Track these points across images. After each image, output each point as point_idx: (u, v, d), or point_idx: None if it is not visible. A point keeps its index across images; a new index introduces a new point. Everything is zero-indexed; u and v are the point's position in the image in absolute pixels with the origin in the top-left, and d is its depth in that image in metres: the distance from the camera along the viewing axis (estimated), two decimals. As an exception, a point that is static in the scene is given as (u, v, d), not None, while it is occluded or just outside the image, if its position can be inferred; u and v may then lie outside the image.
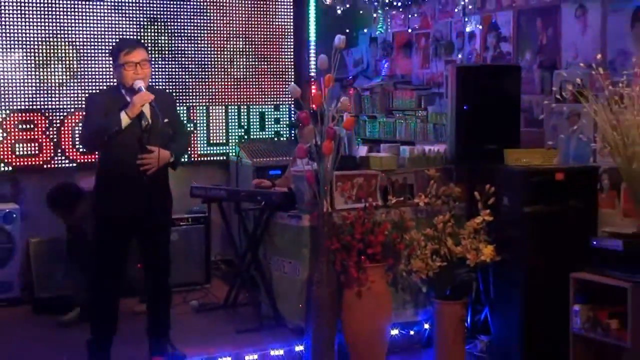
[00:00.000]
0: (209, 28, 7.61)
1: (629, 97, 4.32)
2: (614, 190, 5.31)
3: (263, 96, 7.95)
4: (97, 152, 5.04)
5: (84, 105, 5.22)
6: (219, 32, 7.67)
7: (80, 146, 5.96)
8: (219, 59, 7.69)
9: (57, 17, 6.85)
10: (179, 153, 5.01)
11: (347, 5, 7.25)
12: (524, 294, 4.93)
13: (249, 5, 7.76)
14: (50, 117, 6.90)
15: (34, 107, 6.85)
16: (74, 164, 6.93)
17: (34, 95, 6.83)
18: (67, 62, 6.94)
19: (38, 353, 5.27)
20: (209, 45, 7.63)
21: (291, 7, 7.97)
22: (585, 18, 5.73)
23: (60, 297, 6.19)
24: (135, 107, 4.66)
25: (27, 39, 6.78)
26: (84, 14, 6.96)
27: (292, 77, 7.99)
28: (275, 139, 7.98)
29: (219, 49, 7.68)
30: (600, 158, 5.30)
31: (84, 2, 6.96)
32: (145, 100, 4.68)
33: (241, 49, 7.77)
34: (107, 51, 6.40)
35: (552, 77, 5.91)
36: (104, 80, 6.91)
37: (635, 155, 4.24)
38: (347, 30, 7.43)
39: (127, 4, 7.15)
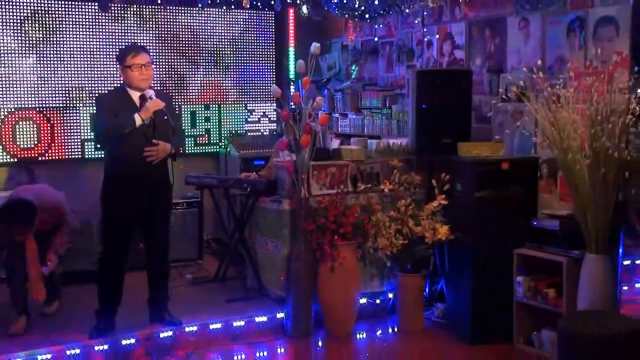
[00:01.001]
0: (206, 39, 7.58)
1: (564, 98, 4.32)
2: (551, 178, 5.34)
3: (248, 96, 7.91)
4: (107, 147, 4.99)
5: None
6: (213, 42, 7.63)
7: (95, 141, 5.79)
8: (212, 65, 7.65)
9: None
10: (179, 144, 5.02)
11: (322, 17, 7.22)
12: (474, 267, 4.93)
13: (238, 18, 7.70)
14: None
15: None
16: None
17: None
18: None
19: (50, 321, 5.24)
20: (207, 52, 7.61)
21: (273, 19, 7.93)
22: (527, 29, 5.74)
23: (68, 272, 6.07)
24: (148, 112, 4.69)
25: None
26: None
27: (274, 79, 7.95)
28: (259, 133, 7.94)
29: (213, 55, 7.64)
30: (540, 150, 5.32)
31: None
32: (158, 106, 4.72)
33: (230, 56, 7.73)
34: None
35: (499, 80, 5.92)
36: None
37: (570, 148, 4.25)
38: (322, 39, 7.40)
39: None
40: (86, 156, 6.90)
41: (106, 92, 6.51)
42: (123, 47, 5.31)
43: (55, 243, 5.21)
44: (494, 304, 4.92)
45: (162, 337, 4.78)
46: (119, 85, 5.13)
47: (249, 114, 7.90)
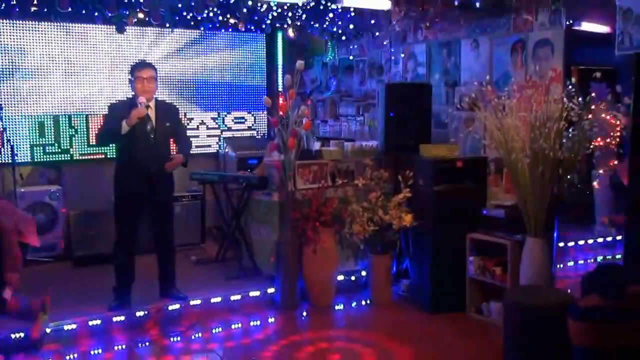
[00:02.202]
0: (207, 59, 7.52)
1: (509, 107, 4.34)
2: (498, 174, 5.37)
3: (243, 105, 7.88)
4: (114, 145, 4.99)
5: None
6: (214, 61, 7.58)
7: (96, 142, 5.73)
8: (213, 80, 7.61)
9: None
10: (187, 153, 4.97)
11: (306, 39, 7.20)
12: (433, 249, 4.93)
13: (235, 40, 7.66)
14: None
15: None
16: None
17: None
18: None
19: (76, 296, 5.18)
20: (207, 71, 7.55)
21: (264, 40, 7.89)
22: (478, 49, 5.75)
23: (93, 254, 6.10)
24: (132, 119, 4.64)
25: None
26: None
27: (265, 91, 7.92)
28: (253, 136, 7.91)
29: (214, 72, 7.60)
30: (488, 151, 5.34)
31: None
32: (140, 114, 4.66)
33: (228, 72, 7.69)
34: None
35: (454, 92, 5.94)
36: None
37: (514, 149, 4.27)
38: (306, 57, 7.38)
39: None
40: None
41: (118, 100, 6.46)
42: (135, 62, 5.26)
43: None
44: (450, 280, 4.93)
45: (171, 310, 4.75)
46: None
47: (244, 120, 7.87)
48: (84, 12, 6.02)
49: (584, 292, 3.36)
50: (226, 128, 7.75)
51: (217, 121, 7.70)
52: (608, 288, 3.10)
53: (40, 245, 4.87)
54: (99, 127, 5.01)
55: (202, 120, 7.59)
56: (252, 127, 7.94)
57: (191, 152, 5.06)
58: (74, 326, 4.41)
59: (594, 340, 3.03)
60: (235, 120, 7.82)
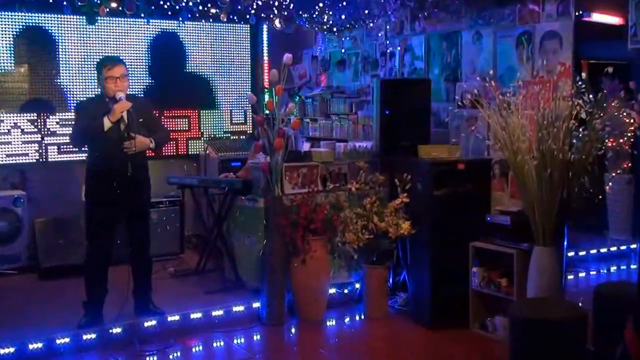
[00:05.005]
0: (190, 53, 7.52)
1: (514, 105, 4.35)
2: (503, 177, 5.37)
3: (226, 102, 7.86)
4: (85, 148, 4.95)
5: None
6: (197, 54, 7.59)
7: (71, 144, 5.70)
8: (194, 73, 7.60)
9: None
10: (160, 140, 4.99)
11: (293, 30, 7.19)
12: (433, 259, 4.94)
13: (216, 31, 7.65)
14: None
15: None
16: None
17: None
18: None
19: (42, 311, 5.14)
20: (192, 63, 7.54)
21: (248, 31, 7.88)
22: (480, 42, 5.77)
23: (61, 266, 6.06)
24: (115, 114, 4.64)
25: None
26: None
27: (249, 87, 7.91)
28: (235, 137, 7.90)
29: (196, 65, 7.60)
30: (492, 152, 5.36)
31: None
32: (124, 108, 4.66)
33: (210, 66, 7.68)
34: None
35: (455, 88, 5.96)
36: None
37: (519, 150, 4.28)
38: (294, 50, 7.37)
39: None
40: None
41: (86, 98, 6.42)
42: (101, 57, 5.23)
43: None
44: (452, 293, 4.93)
45: (147, 327, 4.73)
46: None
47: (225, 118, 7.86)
48: (51, 0, 5.98)
49: None
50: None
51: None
52: None
53: (2, 255, 4.83)
54: (73, 127, 4.93)
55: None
56: (234, 127, 7.92)
57: (167, 142, 4.97)
58: (39, 345, 4.37)
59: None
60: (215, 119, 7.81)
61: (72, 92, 6.82)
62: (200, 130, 7.68)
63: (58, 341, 4.43)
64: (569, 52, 5.00)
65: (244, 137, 7.91)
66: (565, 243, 4.62)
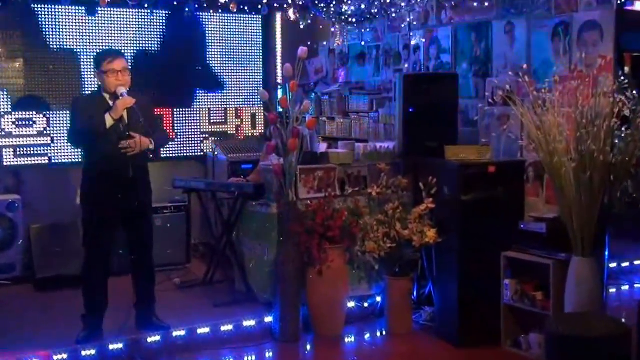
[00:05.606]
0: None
1: (550, 102, 4.34)
2: (537, 181, 5.34)
3: (238, 99, 7.89)
4: (81, 149, 4.98)
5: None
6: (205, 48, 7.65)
7: (69, 143, 5.75)
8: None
9: None
10: (159, 143, 5.00)
11: (309, 21, 7.21)
12: (461, 270, 4.93)
13: (225, 22, 7.69)
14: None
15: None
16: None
17: None
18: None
19: (38, 325, 5.18)
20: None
21: (260, 22, 7.91)
22: (512, 33, 5.74)
23: (58, 276, 6.10)
24: (118, 110, 4.66)
25: None
26: None
27: (262, 83, 7.93)
28: (247, 137, 7.92)
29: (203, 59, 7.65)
30: (526, 153, 5.32)
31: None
32: (128, 104, 4.68)
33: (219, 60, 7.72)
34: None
35: (485, 83, 5.93)
36: None
37: (556, 151, 4.26)
38: (309, 43, 7.39)
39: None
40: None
41: (83, 94, 6.45)
42: (99, 50, 5.26)
43: None
44: (482, 307, 4.92)
45: (150, 342, 4.74)
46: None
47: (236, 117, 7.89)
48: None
49: None
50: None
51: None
52: None
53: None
54: (70, 126, 4.96)
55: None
56: (246, 126, 7.95)
57: (165, 145, 4.98)
58: (35, 361, 4.40)
59: None
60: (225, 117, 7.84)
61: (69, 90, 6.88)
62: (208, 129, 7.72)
63: (55, 357, 4.44)
64: (610, 44, 4.96)
65: (258, 135, 7.92)
66: (607, 253, 4.59)
